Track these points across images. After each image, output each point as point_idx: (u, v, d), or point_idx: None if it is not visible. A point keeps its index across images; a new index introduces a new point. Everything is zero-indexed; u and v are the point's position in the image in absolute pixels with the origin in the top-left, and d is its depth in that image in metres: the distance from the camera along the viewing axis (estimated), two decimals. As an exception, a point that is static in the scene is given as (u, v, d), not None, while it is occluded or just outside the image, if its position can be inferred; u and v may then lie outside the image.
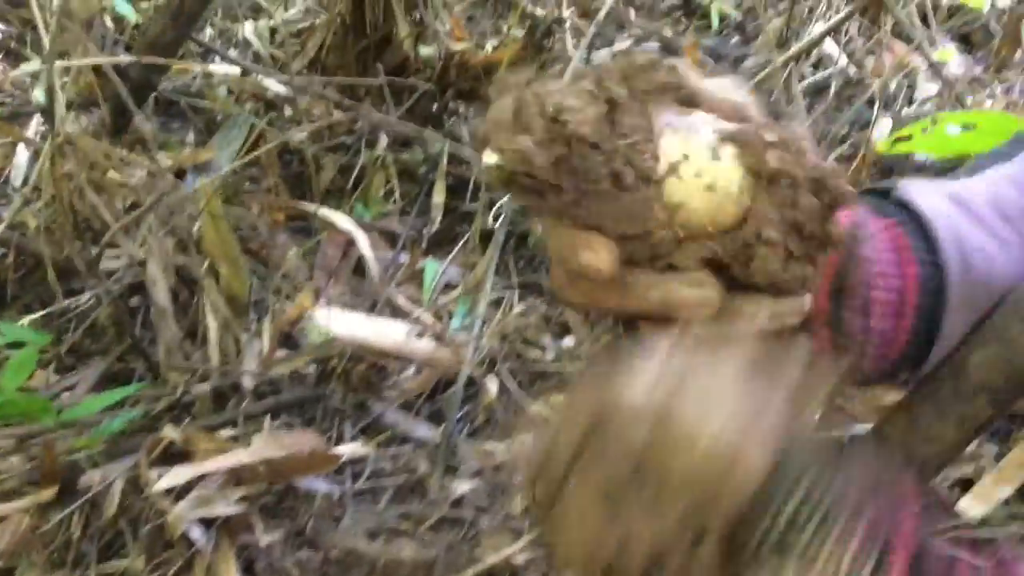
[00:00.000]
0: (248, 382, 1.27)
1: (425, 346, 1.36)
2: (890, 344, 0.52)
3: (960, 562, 0.38)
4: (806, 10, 2.15)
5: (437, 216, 1.75)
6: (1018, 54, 2.04)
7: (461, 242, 1.68)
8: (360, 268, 1.61)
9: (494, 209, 1.63)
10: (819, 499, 0.37)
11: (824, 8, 2.06)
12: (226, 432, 1.24)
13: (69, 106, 1.25)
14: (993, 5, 2.16)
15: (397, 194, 1.78)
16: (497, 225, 1.58)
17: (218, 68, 1.79)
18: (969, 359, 0.57)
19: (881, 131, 1.76)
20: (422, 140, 1.79)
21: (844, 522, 0.37)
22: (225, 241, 1.26)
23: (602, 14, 1.57)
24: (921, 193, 0.55)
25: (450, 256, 1.66)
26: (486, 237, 1.62)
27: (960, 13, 2.11)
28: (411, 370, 1.40)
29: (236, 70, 1.75)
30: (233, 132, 1.81)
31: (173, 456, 1.18)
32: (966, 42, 2.13)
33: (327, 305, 1.51)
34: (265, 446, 1.16)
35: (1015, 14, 2.06)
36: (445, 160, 1.76)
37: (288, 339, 1.46)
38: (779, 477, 0.37)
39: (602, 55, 2.23)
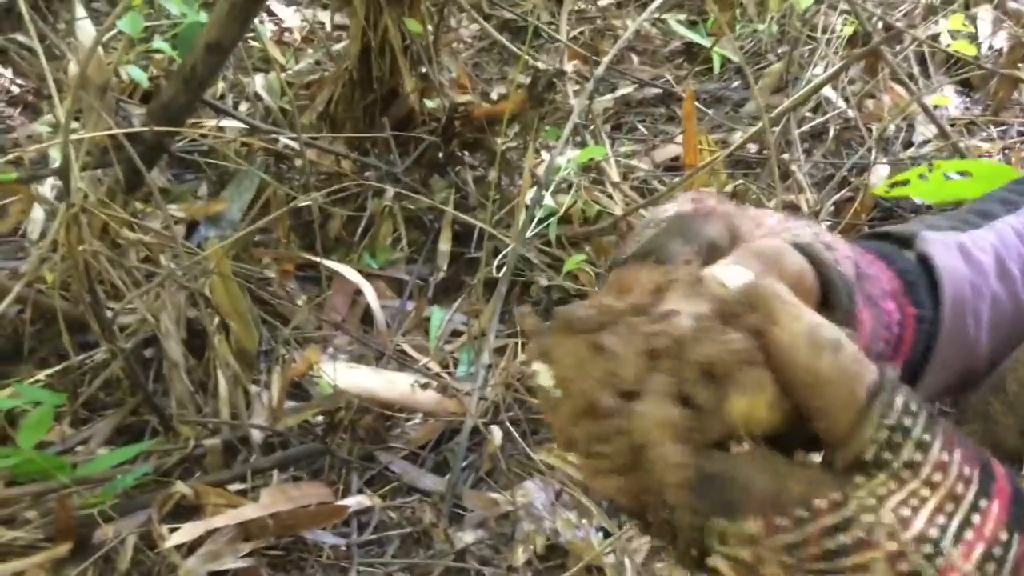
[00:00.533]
0: (257, 435, 1.30)
1: (430, 397, 1.39)
2: None
3: None
4: (805, 53, 2.19)
5: (443, 264, 1.78)
6: (1015, 96, 2.06)
7: (466, 290, 1.72)
8: (368, 316, 1.64)
9: (498, 257, 1.66)
10: (917, 414, 0.37)
11: (823, 53, 2.09)
12: (235, 486, 1.27)
13: (84, 167, 1.29)
14: (991, 47, 2.19)
15: (404, 242, 1.82)
16: (501, 273, 1.61)
17: (228, 124, 1.84)
18: None
19: (879, 175, 1.79)
20: (428, 190, 1.83)
21: (943, 434, 0.38)
22: (234, 298, 1.29)
23: (601, 69, 1.61)
24: (938, 251, 0.57)
25: (455, 304, 1.70)
26: (491, 284, 1.65)
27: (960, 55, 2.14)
28: (417, 419, 1.43)
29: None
30: (244, 184, 1.85)
31: (184, 510, 1.22)
32: (965, 85, 2.16)
33: (335, 355, 1.55)
34: (273, 500, 1.18)
35: (1012, 57, 2.09)
36: (451, 209, 1.79)
37: (298, 388, 1.50)
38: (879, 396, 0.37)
39: (605, 100, 2.28)
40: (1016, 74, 1.86)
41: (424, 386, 1.38)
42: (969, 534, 0.37)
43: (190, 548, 1.15)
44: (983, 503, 0.37)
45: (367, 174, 1.81)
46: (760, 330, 0.38)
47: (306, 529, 1.21)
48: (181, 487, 1.20)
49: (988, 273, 0.59)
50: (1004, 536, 0.37)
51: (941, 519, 0.37)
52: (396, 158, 1.77)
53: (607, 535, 1.25)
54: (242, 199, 1.83)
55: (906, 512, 0.36)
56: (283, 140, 1.79)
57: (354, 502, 1.25)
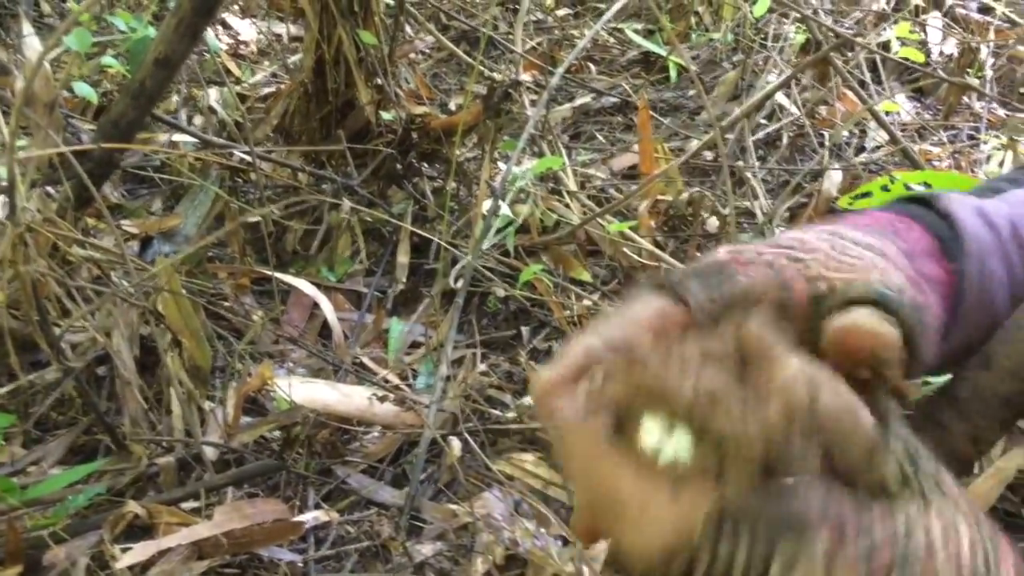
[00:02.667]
0: (211, 453, 1.29)
1: (387, 409, 1.39)
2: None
3: None
4: (760, 62, 2.21)
5: (402, 276, 1.78)
6: (964, 101, 2.10)
7: (425, 301, 1.71)
8: (326, 329, 1.63)
9: (456, 268, 1.66)
10: (920, 447, 0.37)
11: (776, 61, 2.12)
12: (189, 504, 1.25)
13: (33, 184, 1.28)
14: (941, 53, 2.22)
15: (363, 254, 1.82)
16: (459, 284, 1.61)
17: (181, 139, 1.82)
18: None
19: (832, 180, 1.81)
20: (386, 201, 1.83)
21: (943, 467, 0.37)
22: (186, 314, 1.28)
23: (555, 79, 1.62)
24: (962, 209, 0.57)
25: (414, 316, 1.69)
26: (449, 296, 1.65)
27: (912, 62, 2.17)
28: (375, 433, 1.42)
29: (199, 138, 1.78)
30: (199, 199, 1.84)
31: (137, 530, 1.20)
32: (916, 91, 2.19)
33: (293, 370, 1.54)
34: (227, 517, 1.17)
35: (961, 62, 2.12)
36: (410, 220, 1.79)
37: (254, 404, 1.48)
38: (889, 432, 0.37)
39: (562, 110, 2.29)
40: (963, 81, 1.90)
41: (382, 399, 1.38)
42: (1005, 560, 0.37)
43: (143, 568, 1.14)
44: (999, 532, 0.38)
45: (324, 187, 1.80)
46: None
47: (262, 546, 1.20)
48: (133, 506, 1.18)
49: (1006, 238, 0.60)
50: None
51: (985, 545, 0.36)
52: (353, 170, 1.77)
53: (566, 543, 1.25)
54: (197, 214, 1.82)
55: (955, 539, 0.35)
56: (237, 154, 1.78)
57: (311, 517, 1.24)
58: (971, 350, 0.60)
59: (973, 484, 1.22)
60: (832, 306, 0.43)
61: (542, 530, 1.26)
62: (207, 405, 1.39)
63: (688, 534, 0.35)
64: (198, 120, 2.05)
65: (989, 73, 2.11)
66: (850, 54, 2.04)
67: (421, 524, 1.29)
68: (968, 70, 2.08)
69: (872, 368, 0.39)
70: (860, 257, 0.47)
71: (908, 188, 1.28)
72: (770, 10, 2.24)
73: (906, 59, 1.98)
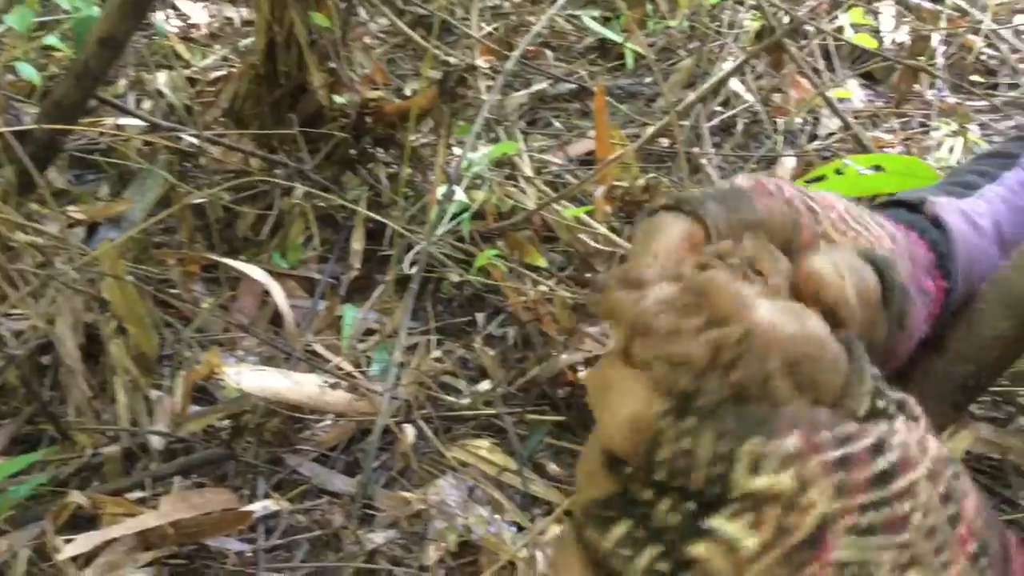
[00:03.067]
0: (157, 442, 1.26)
1: (340, 397, 1.37)
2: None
3: None
4: (717, 49, 2.22)
5: (356, 262, 1.76)
6: (916, 88, 2.12)
7: (379, 288, 1.69)
8: (278, 317, 1.61)
9: (410, 254, 1.64)
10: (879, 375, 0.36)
11: (731, 48, 2.12)
12: (135, 494, 1.23)
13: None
14: (894, 42, 2.24)
15: (316, 241, 1.79)
16: (414, 270, 1.59)
17: (129, 123, 1.78)
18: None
19: (785, 167, 1.82)
20: (340, 187, 1.81)
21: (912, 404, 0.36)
22: (131, 300, 1.25)
23: (510, 63, 1.60)
24: (949, 216, 0.57)
25: (368, 303, 1.68)
26: (404, 282, 1.63)
27: (864, 49, 2.19)
28: (328, 421, 1.41)
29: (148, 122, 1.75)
30: (147, 184, 1.80)
31: (81, 520, 1.17)
32: (868, 78, 2.21)
33: (244, 358, 1.51)
34: (173, 507, 1.15)
35: (913, 50, 2.14)
36: (364, 206, 1.77)
37: (204, 393, 1.46)
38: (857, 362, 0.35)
39: (519, 96, 2.27)
40: (917, 64, 1.91)
41: (334, 386, 1.36)
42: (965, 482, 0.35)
43: (87, 559, 1.11)
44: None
45: (276, 172, 1.77)
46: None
47: (209, 536, 1.18)
48: (77, 497, 1.15)
49: (990, 239, 0.60)
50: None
51: (947, 455, 0.35)
52: (305, 155, 1.74)
53: (520, 529, 1.24)
54: (145, 199, 1.78)
55: (928, 449, 0.34)
56: (187, 138, 1.75)
57: (260, 507, 1.22)
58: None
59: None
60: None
61: (496, 516, 1.25)
62: (154, 394, 1.37)
63: (651, 414, 0.33)
64: (147, 104, 2.01)
65: (940, 61, 2.13)
66: (804, 41, 2.05)
67: (373, 512, 1.28)
68: (920, 58, 2.10)
69: (832, 317, 0.38)
70: (870, 228, 0.47)
71: (861, 172, 1.29)
72: (725, -3, 2.25)
73: (859, 46, 2.00)
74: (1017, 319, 0.58)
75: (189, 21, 2.39)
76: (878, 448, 0.33)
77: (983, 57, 2.28)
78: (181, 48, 2.20)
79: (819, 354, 0.34)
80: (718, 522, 0.31)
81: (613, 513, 0.33)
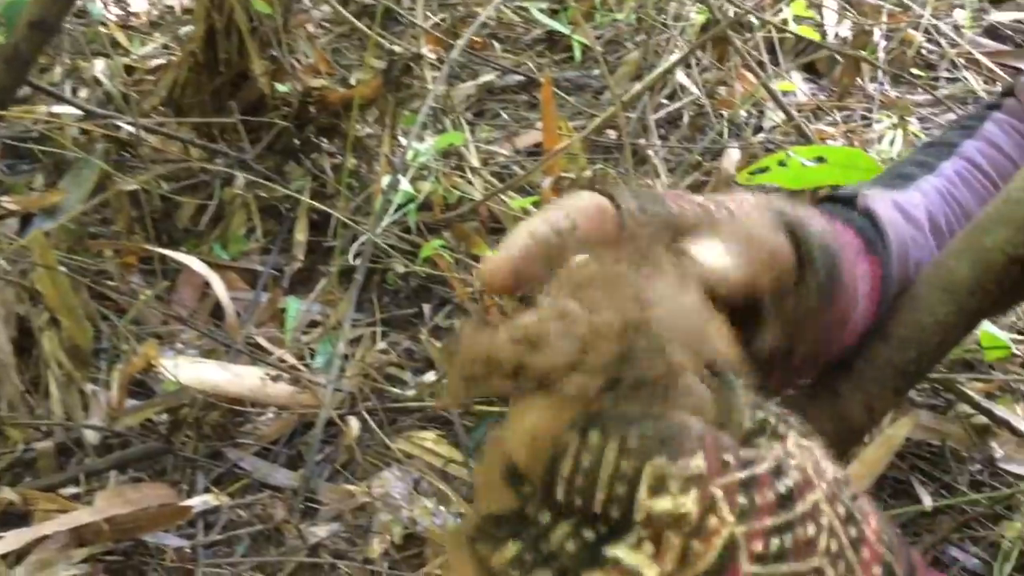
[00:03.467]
0: (92, 436, 1.23)
1: (282, 390, 1.34)
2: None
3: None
4: (664, 42, 2.22)
5: (300, 253, 1.73)
6: (858, 82, 2.14)
7: (323, 279, 1.67)
8: (219, 309, 1.58)
9: (355, 245, 1.62)
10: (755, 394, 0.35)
11: (678, 41, 2.13)
12: (70, 490, 1.20)
13: None
14: (836, 35, 2.27)
15: (259, 232, 1.76)
16: (358, 261, 1.57)
17: (64, 111, 1.74)
18: (806, 411, 0.60)
19: (731, 159, 1.83)
20: (283, 177, 1.78)
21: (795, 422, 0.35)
22: (63, 292, 1.21)
23: (455, 52, 1.59)
24: (880, 206, 0.57)
25: (312, 294, 1.65)
26: (349, 273, 1.61)
27: (807, 43, 2.21)
28: (270, 414, 1.38)
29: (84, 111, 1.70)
30: (84, 174, 1.75)
31: (12, 517, 1.14)
32: (812, 71, 2.23)
33: (183, 351, 1.48)
34: (109, 503, 1.12)
35: (856, 44, 2.17)
36: (308, 196, 1.74)
37: (142, 387, 1.42)
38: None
39: (466, 87, 2.26)
40: (860, 54, 1.94)
41: (275, 378, 1.33)
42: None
43: (18, 557, 1.08)
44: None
45: (216, 161, 1.74)
46: None
47: (147, 532, 1.15)
48: (8, 493, 1.12)
49: (924, 230, 0.61)
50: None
51: (842, 475, 0.34)
52: (247, 144, 1.71)
53: (466, 522, 1.23)
54: (81, 190, 1.73)
55: (823, 470, 0.33)
56: (124, 127, 1.71)
57: (199, 502, 1.20)
58: None
59: (863, 453, 1.25)
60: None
61: (441, 508, 1.24)
62: (89, 388, 1.33)
63: (556, 429, 0.32)
64: (83, 92, 1.96)
65: (882, 55, 2.16)
66: (748, 35, 2.06)
67: (317, 506, 1.26)
68: (862, 51, 2.13)
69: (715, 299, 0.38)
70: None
71: (804, 164, 1.30)
72: (671, -11, 2.25)
73: (802, 40, 2.02)
74: (956, 305, 0.58)
75: (128, 8, 2.34)
76: (778, 470, 0.31)
77: (923, 51, 2.31)
78: (119, 35, 2.14)
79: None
80: (618, 550, 0.30)
81: (506, 532, 0.32)
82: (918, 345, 0.59)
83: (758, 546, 0.30)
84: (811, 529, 0.31)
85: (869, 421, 0.61)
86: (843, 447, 0.62)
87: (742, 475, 0.31)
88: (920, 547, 1.16)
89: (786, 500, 0.31)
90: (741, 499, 0.30)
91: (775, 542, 0.31)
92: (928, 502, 1.23)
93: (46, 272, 1.17)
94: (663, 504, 0.30)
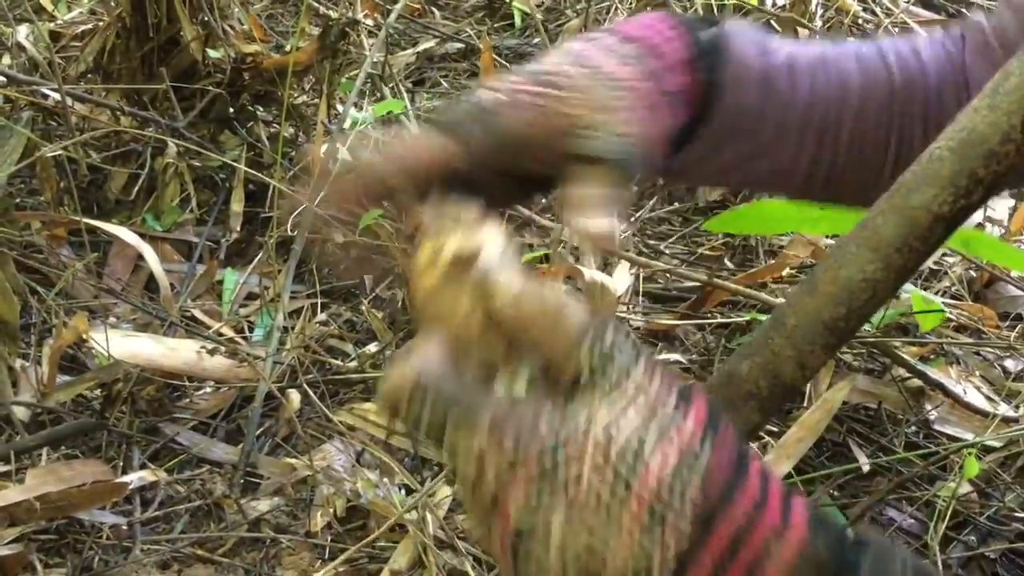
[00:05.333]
0: (22, 413, 1.19)
1: (219, 363, 1.32)
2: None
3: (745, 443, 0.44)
4: (605, 10, 2.21)
5: (236, 224, 1.69)
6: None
7: (261, 251, 1.64)
8: (153, 283, 1.54)
9: (293, 216, 1.59)
10: (622, 344, 0.42)
11: (618, 9, 2.12)
12: (-1, 468, 1.16)
13: None
14: (775, 4, 2.28)
15: (194, 203, 1.72)
16: (297, 232, 1.54)
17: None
18: (738, 369, 0.61)
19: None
20: (218, 147, 1.73)
21: (646, 362, 0.43)
22: None
23: (392, 17, 1.56)
24: (737, 33, 0.63)
25: (250, 266, 1.62)
26: (288, 244, 1.58)
27: (746, 9, 2.21)
28: (207, 389, 1.35)
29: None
30: (9, 143, 1.69)
31: (-61, 499, 1.10)
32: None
33: (116, 325, 1.44)
34: (40, 481, 1.09)
35: (795, 11, 2.18)
36: (243, 166, 1.70)
37: (74, 362, 1.39)
38: (589, 329, 0.43)
39: (406, 55, 2.23)
40: (797, 20, 1.95)
41: (212, 352, 1.31)
42: (670, 444, 0.40)
43: (-55, 540, 1.04)
44: (679, 420, 0.41)
45: (148, 129, 1.69)
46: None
47: (81, 509, 1.12)
48: (-67, 474, 1.08)
49: (780, 65, 0.65)
50: (697, 448, 0.40)
51: (646, 432, 0.40)
52: (178, 112, 1.66)
53: (409, 492, 1.22)
54: (7, 160, 1.67)
55: (613, 430, 0.40)
56: (51, 95, 1.65)
57: (135, 478, 1.17)
58: (752, 157, 0.66)
59: (802, 416, 1.26)
60: (578, 155, 0.53)
61: (384, 480, 1.23)
62: (18, 363, 1.29)
63: (403, 386, 0.43)
64: (6, 59, 1.89)
65: (819, 23, 2.18)
66: (688, 1, 2.06)
67: (258, 480, 1.24)
68: (799, 20, 2.14)
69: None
70: (601, 67, 0.56)
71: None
72: (612, -44, 2.24)
73: (742, 5, 2.02)
74: (884, 262, 0.59)
75: (52, -28, 2.25)
76: (555, 448, 0.40)
77: (859, 20, 2.33)
78: (43, 0, 2.07)
79: (553, 326, 0.43)
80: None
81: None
82: (847, 302, 0.60)
83: (521, 491, 0.40)
84: (571, 489, 0.39)
85: (802, 378, 0.62)
86: (777, 403, 0.63)
87: (512, 456, 0.40)
88: (858, 508, 1.18)
89: (549, 472, 0.40)
90: (508, 456, 0.40)
91: (536, 488, 0.40)
92: (865, 463, 1.25)
93: None
94: (453, 460, 0.42)
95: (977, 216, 1.64)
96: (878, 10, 2.35)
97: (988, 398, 1.35)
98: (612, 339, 0.42)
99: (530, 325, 0.43)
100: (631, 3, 2.13)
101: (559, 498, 0.39)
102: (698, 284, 1.52)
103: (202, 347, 1.29)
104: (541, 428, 0.40)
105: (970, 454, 1.09)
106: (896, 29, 2.34)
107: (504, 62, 2.20)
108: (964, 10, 2.45)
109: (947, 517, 1.11)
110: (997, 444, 1.24)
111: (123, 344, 1.25)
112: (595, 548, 0.39)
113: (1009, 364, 1.44)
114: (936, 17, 2.44)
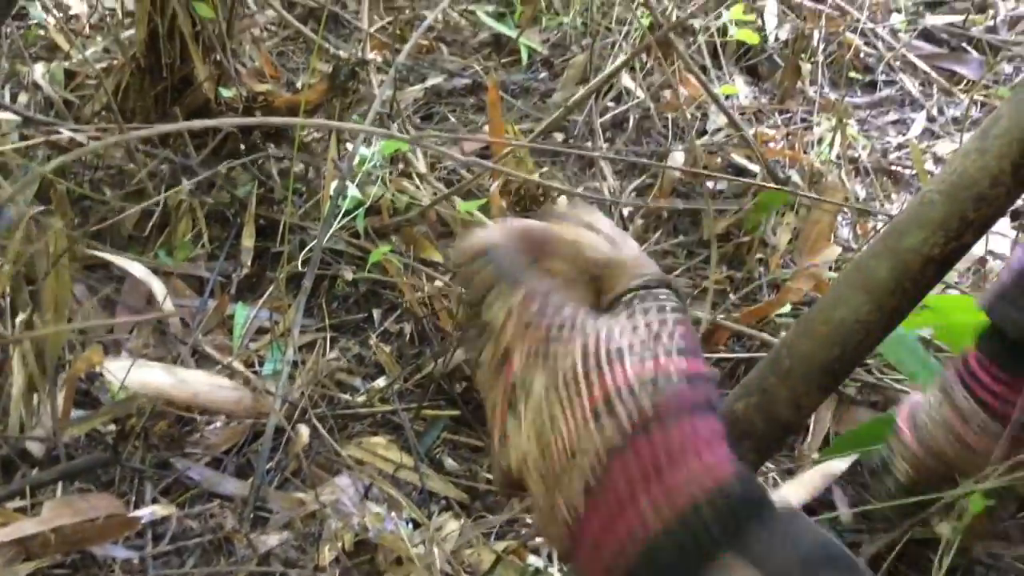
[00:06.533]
0: (37, 448, 1.21)
1: (230, 396, 1.34)
2: None
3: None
4: (610, 46, 2.25)
5: (247, 259, 1.72)
6: (799, 85, 2.19)
7: (271, 286, 1.66)
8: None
9: (304, 251, 1.62)
10: (670, 296, 0.51)
11: (623, 45, 2.15)
12: (16, 503, 1.18)
13: None
14: (777, 39, 2.31)
15: (205, 238, 1.74)
16: (307, 268, 1.57)
17: (2, 117, 1.71)
18: (734, 409, 0.63)
19: (676, 160, 1.85)
20: (229, 183, 1.76)
21: (681, 318, 0.49)
22: (63, 293, 1.19)
23: (401, 57, 1.59)
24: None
25: (261, 301, 1.64)
26: (297, 279, 1.60)
27: (749, 47, 2.25)
28: (218, 423, 1.37)
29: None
30: (25, 179, 1.73)
31: (-45, 533, 1.12)
32: (754, 75, 2.27)
33: (128, 358, 1.46)
34: (55, 514, 1.10)
35: (796, 48, 2.21)
36: (254, 202, 1.73)
37: (87, 397, 1.41)
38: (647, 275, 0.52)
39: (413, 90, 2.26)
40: (796, 60, 1.98)
41: (223, 385, 1.33)
42: (649, 362, 0.45)
43: (-39, 574, 1.06)
44: (668, 356, 0.46)
45: (161, 168, 1.72)
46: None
47: (95, 543, 1.14)
48: (-50, 509, 1.10)
49: None
50: (669, 378, 0.45)
51: (636, 347, 0.46)
52: (191, 150, 1.70)
53: (417, 526, 1.24)
54: (22, 196, 1.70)
55: (615, 333, 0.47)
56: (66, 133, 1.68)
57: (148, 512, 1.19)
58: None
59: (801, 474, 1.25)
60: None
61: (392, 514, 1.25)
62: (34, 397, 1.31)
63: (472, 249, 0.52)
64: (23, 98, 1.93)
65: (821, 58, 2.21)
66: (692, 39, 2.10)
67: (267, 514, 1.26)
68: (802, 55, 2.17)
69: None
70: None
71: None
72: (614, -6, 2.28)
73: (742, 39, 2.06)
74: (876, 304, 0.61)
75: (69, 12, 2.30)
76: (562, 325, 0.48)
77: (862, 55, 2.37)
78: (60, 39, 2.11)
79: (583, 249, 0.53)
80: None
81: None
82: (841, 343, 0.62)
83: (524, 353, 0.48)
84: (559, 361, 0.46)
85: (798, 418, 0.64)
86: (774, 443, 0.64)
87: (530, 318, 0.48)
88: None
89: (550, 339, 0.47)
90: (525, 326, 0.48)
91: (535, 353, 0.47)
92: (845, 512, 1.23)
93: (55, 269, 1.15)
94: (487, 314, 0.50)
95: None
96: (880, 45, 2.38)
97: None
98: (662, 290, 0.49)
99: (604, 265, 0.51)
100: (635, 40, 2.17)
101: (548, 364, 0.46)
102: (703, 320, 1.53)
103: (214, 380, 1.31)
104: (564, 311, 0.48)
105: (969, 494, 1.08)
106: (898, 63, 2.37)
107: (511, 98, 2.24)
108: (965, 45, 2.48)
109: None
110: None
111: (135, 374, 1.27)
112: (556, 418, 0.45)
113: None
114: (938, 51, 2.47)
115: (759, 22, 2.29)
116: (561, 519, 0.43)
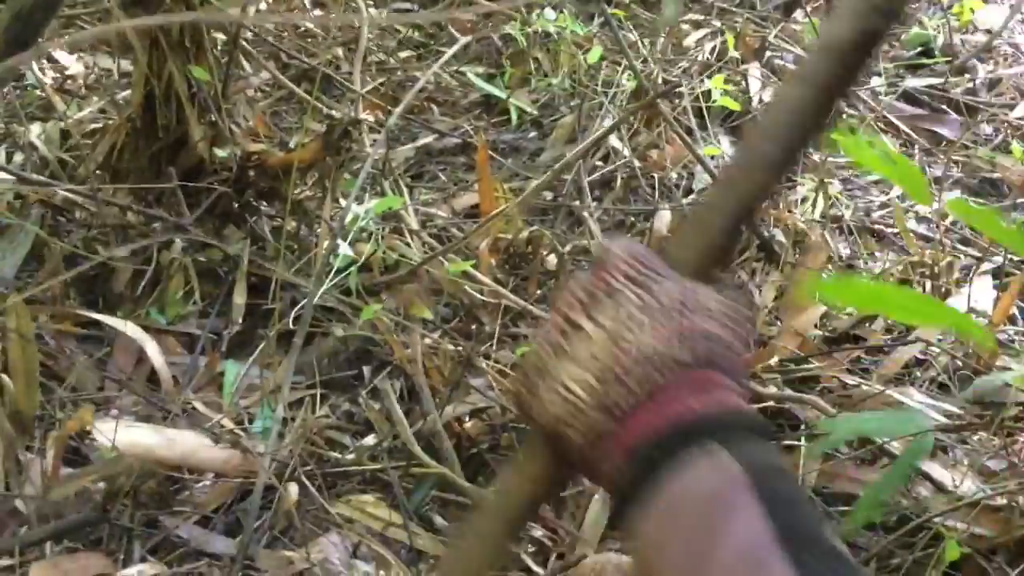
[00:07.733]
0: (27, 507, 1.21)
1: (219, 456, 1.34)
2: None
3: None
4: (597, 107, 2.29)
5: (238, 317, 1.73)
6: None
7: (262, 343, 1.67)
8: (156, 375, 1.57)
9: (295, 309, 1.63)
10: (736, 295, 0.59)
11: (608, 107, 2.20)
12: (5, 561, 1.18)
13: None
14: (761, 101, 2.36)
15: (197, 295, 1.76)
16: (298, 325, 1.58)
17: (-2, 176, 1.73)
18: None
19: (662, 219, 1.89)
20: (222, 241, 1.78)
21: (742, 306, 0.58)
22: (29, 359, 1.20)
23: (393, 118, 1.63)
24: None
25: (251, 358, 1.65)
26: (289, 336, 1.61)
27: (731, 114, 2.29)
28: (207, 482, 1.37)
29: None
30: (18, 238, 1.74)
31: (-60, 594, 1.11)
32: (739, 135, 2.32)
33: (119, 417, 1.47)
34: (44, 574, 1.10)
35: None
36: (246, 260, 1.75)
37: (77, 455, 1.41)
38: None
39: (405, 149, 2.30)
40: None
41: (213, 443, 1.33)
42: (728, 330, 0.56)
43: (-54, 636, 1.06)
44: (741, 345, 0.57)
45: (154, 226, 1.74)
46: None
47: (81, 604, 1.13)
48: (-64, 569, 1.10)
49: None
50: (739, 350, 0.56)
51: (717, 315, 0.56)
52: (184, 209, 1.72)
53: (405, 585, 1.24)
54: (16, 255, 1.72)
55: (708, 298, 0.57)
56: (61, 192, 1.70)
57: (135, 571, 1.19)
58: None
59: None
60: None
61: (381, 573, 1.25)
62: (25, 456, 1.31)
63: None
64: (18, 157, 1.95)
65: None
66: (677, 101, 2.14)
67: (255, 573, 1.26)
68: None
69: None
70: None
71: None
72: (602, 58, 2.33)
73: (725, 105, 2.10)
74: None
75: (65, 72, 2.34)
76: (640, 282, 0.55)
77: (844, 116, 2.42)
78: (56, 99, 2.14)
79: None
80: None
81: None
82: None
83: (610, 289, 0.55)
84: (659, 291, 0.55)
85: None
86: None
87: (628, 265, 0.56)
88: None
89: (634, 284, 0.55)
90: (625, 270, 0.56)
91: (618, 291, 0.55)
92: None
93: (18, 339, 1.16)
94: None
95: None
96: (861, 107, 2.44)
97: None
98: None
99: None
100: (622, 102, 2.21)
101: (648, 289, 0.54)
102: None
103: (203, 439, 1.32)
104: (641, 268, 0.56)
105: (951, 538, 1.09)
106: (880, 124, 2.42)
107: (500, 157, 2.28)
108: (945, 106, 2.53)
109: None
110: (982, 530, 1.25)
111: (124, 434, 1.27)
112: (644, 327, 0.53)
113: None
114: (919, 112, 2.53)
115: (743, 84, 2.34)
116: (611, 403, 0.53)
